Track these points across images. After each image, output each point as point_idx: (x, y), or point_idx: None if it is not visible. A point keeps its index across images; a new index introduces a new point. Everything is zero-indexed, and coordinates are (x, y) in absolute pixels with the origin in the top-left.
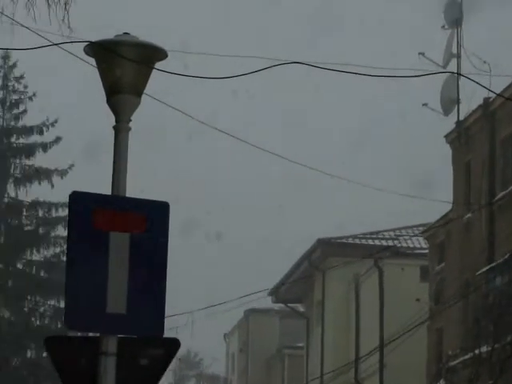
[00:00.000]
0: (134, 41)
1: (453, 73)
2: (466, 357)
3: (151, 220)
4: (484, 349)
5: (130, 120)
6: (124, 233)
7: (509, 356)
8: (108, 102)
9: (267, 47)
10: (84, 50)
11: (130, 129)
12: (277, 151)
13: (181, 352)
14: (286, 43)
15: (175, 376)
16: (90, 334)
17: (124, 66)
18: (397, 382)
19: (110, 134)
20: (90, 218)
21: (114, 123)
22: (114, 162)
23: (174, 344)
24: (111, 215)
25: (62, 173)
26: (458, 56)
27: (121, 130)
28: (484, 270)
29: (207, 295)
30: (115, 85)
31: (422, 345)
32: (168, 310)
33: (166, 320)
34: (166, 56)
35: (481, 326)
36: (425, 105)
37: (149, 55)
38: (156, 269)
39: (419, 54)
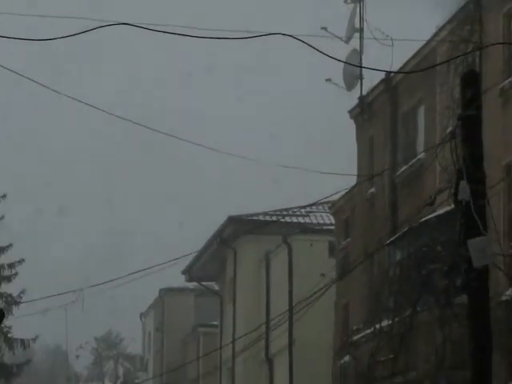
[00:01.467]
0: None
1: (284, 34)
2: (368, 331)
3: None
4: (385, 323)
5: None
6: None
7: (408, 329)
8: None
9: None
10: None
11: None
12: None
13: (101, 332)
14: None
15: (95, 357)
16: None
17: None
18: (306, 357)
19: None
20: None
21: None
22: None
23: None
24: None
25: None
26: (361, 30)
27: None
28: (385, 244)
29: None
30: None
31: (330, 321)
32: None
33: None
34: None
35: (382, 300)
36: (328, 80)
37: None
38: None
39: (321, 28)
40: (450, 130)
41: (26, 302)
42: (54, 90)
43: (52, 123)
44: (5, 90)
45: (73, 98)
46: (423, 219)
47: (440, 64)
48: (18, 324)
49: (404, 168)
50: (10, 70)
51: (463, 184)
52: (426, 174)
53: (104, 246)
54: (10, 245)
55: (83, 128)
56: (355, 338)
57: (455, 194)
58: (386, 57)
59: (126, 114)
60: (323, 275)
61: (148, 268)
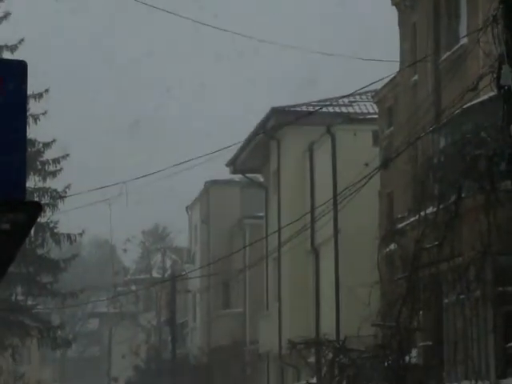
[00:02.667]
0: None
1: None
2: (413, 219)
3: (8, 81)
4: (430, 210)
5: None
6: None
7: (453, 216)
8: None
9: None
10: None
11: None
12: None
13: (148, 226)
14: None
15: (142, 250)
16: None
17: None
18: (351, 247)
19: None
20: None
21: None
22: None
23: (36, 208)
24: None
25: (12, 48)
26: None
27: None
28: (428, 131)
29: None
30: None
31: (375, 210)
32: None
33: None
34: None
35: (426, 188)
36: None
37: None
38: (14, 132)
39: None
40: (491, 14)
41: (71, 195)
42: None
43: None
44: None
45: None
46: (466, 105)
47: None
48: (65, 219)
49: (447, 54)
50: None
51: (505, 68)
52: (469, 60)
53: (149, 140)
54: (54, 140)
55: None
56: (400, 226)
57: (498, 79)
58: None
59: None
60: (367, 165)
61: (192, 159)
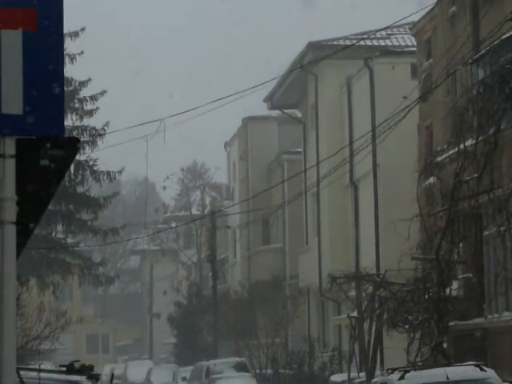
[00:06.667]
0: None
1: None
2: (452, 151)
3: (43, 16)
4: (469, 142)
5: None
6: (15, 30)
7: (492, 148)
8: None
9: None
10: None
11: None
12: None
13: (186, 163)
14: None
15: (182, 187)
16: None
17: None
18: (390, 181)
19: None
20: None
21: None
22: None
23: (75, 143)
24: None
25: None
26: None
27: None
28: (467, 63)
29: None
30: None
31: (414, 143)
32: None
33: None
34: None
35: (465, 120)
36: None
37: None
38: (52, 67)
39: None
40: None
41: (110, 132)
42: None
43: None
44: None
45: None
46: (505, 36)
47: None
48: (105, 157)
49: None
50: None
51: None
52: None
53: (187, 79)
54: (90, 79)
55: None
56: (439, 158)
57: None
58: None
59: None
60: (405, 98)
61: (228, 96)
